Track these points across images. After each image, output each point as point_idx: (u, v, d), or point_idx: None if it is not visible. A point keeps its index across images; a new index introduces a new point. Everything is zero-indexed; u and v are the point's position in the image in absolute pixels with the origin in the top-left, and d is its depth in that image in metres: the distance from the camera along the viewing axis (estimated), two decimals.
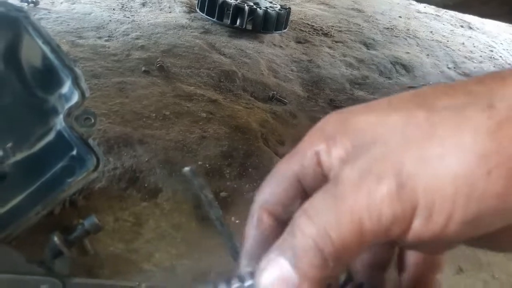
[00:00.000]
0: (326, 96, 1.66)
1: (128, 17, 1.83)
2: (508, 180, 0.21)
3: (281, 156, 1.23)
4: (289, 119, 1.49)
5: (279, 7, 1.99)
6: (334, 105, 1.60)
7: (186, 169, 0.36)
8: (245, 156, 1.15)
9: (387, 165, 0.23)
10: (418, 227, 0.23)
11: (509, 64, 2.23)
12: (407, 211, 0.23)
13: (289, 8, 2.02)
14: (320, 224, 0.24)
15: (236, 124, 1.28)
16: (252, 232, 0.29)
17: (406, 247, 0.32)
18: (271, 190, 0.29)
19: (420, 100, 0.25)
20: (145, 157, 1.03)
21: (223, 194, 0.99)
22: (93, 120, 0.84)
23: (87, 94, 0.84)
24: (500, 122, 0.22)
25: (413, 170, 0.23)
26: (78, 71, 0.85)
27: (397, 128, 0.24)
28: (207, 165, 1.06)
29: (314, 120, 1.52)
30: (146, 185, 0.98)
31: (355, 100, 1.64)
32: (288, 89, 1.65)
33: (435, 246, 0.30)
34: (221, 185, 1.02)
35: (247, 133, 1.26)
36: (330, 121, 0.28)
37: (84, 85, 0.83)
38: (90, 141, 0.83)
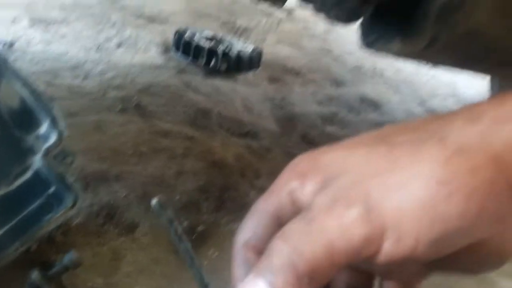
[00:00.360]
0: (299, 132, 1.72)
1: (104, 58, 1.87)
2: (467, 203, 0.25)
3: (257, 189, 1.27)
4: (264, 153, 1.53)
5: (251, 48, 2.08)
6: (307, 140, 1.66)
7: (153, 201, 0.36)
8: (222, 189, 1.17)
9: (355, 192, 0.26)
10: (389, 249, 0.25)
11: (471, 101, 2.36)
12: (377, 233, 0.25)
13: (261, 49, 2.11)
14: (294, 244, 0.25)
15: (213, 159, 1.31)
16: (240, 271, 0.29)
17: (381, 274, 0.34)
18: (251, 228, 0.30)
19: (381, 137, 0.28)
20: (122, 193, 1.05)
21: (200, 227, 1.01)
22: (71, 159, 0.86)
23: (65, 134, 0.86)
24: (451, 154, 0.25)
25: (379, 197, 0.25)
26: (56, 112, 0.88)
27: (361, 160, 0.27)
28: (184, 200, 1.08)
29: (288, 154, 1.58)
30: (123, 220, 0.99)
31: (326, 136, 1.71)
32: (263, 125, 1.71)
33: (409, 272, 0.32)
34: (198, 219, 1.04)
35: (224, 168, 1.29)
36: (302, 160, 0.30)
37: (62, 125, 0.86)
38: (68, 179, 0.84)
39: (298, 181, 0.29)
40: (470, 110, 0.28)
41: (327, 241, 0.25)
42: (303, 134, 1.70)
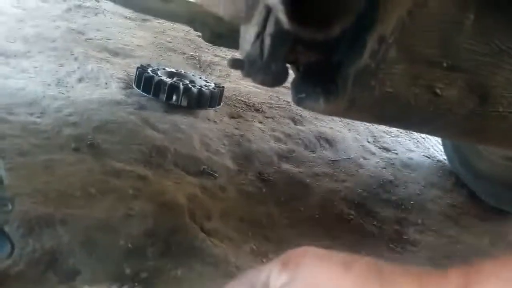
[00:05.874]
0: (255, 169, 1.75)
1: (63, 93, 1.87)
2: None
3: (206, 232, 1.28)
4: (218, 192, 1.55)
5: (213, 85, 2.12)
6: (262, 178, 1.69)
7: None
8: (169, 233, 1.18)
9: None
10: None
11: (423, 138, 2.46)
12: None
13: (223, 86, 2.15)
14: None
15: (164, 200, 1.32)
16: None
17: None
18: None
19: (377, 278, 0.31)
20: (66, 238, 1.04)
21: (143, 274, 1.01)
22: (10, 207, 0.85)
23: (6, 181, 0.86)
24: None
25: None
26: None
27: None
28: (129, 245, 1.07)
29: (242, 193, 1.60)
30: (64, 267, 0.98)
31: (282, 173, 1.74)
32: (219, 162, 1.73)
33: None
34: (142, 265, 1.04)
35: (174, 209, 1.29)
36: (295, 252, 0.33)
37: (2, 172, 0.86)
38: (5, 228, 0.83)
39: (279, 267, 0.32)
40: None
41: None
42: (259, 171, 1.73)
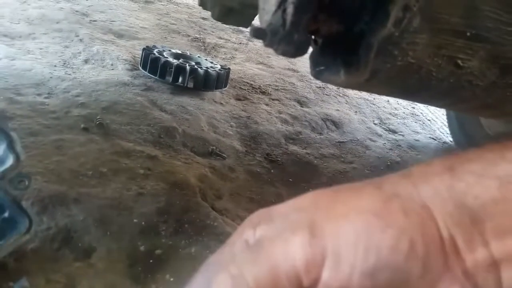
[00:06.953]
0: (263, 151, 1.75)
1: (70, 74, 1.86)
2: (399, 237, 0.27)
3: (217, 211, 1.28)
4: (228, 173, 1.55)
5: (219, 67, 2.11)
6: (270, 159, 1.69)
7: None
8: (182, 211, 1.18)
9: (301, 222, 0.28)
10: (327, 276, 0.26)
11: (429, 120, 2.46)
12: (318, 258, 0.26)
13: (229, 68, 2.14)
14: (239, 271, 0.27)
15: (174, 179, 1.32)
16: None
17: None
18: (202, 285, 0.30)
19: (326, 191, 0.31)
20: (80, 216, 1.04)
21: (158, 251, 1.02)
22: (27, 183, 0.86)
23: (22, 157, 0.86)
24: (387, 196, 0.28)
25: (322, 225, 0.27)
26: (13, 135, 0.87)
27: (308, 201, 0.30)
28: (142, 223, 1.08)
29: (251, 173, 1.60)
30: (80, 244, 0.99)
31: (289, 154, 1.75)
32: (227, 144, 1.73)
33: None
34: (156, 243, 1.04)
35: (185, 189, 1.30)
36: (256, 214, 0.32)
37: (19, 148, 0.86)
38: (23, 203, 0.84)
39: (251, 230, 0.30)
40: (403, 170, 0.31)
41: (272, 265, 0.26)
42: (267, 153, 1.73)
